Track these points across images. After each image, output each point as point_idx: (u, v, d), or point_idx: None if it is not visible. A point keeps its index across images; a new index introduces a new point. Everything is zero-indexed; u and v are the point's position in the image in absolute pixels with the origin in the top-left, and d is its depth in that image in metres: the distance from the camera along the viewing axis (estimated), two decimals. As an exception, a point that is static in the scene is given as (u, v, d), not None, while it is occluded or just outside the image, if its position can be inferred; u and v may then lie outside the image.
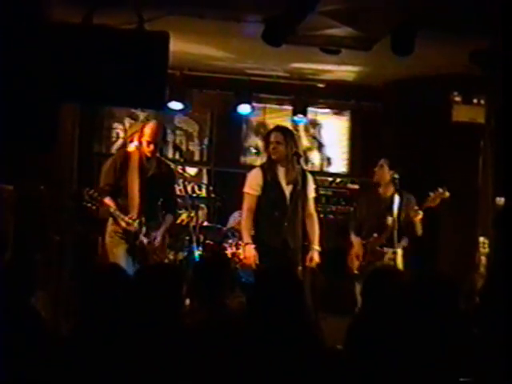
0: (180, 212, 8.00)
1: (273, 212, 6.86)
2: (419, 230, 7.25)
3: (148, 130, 6.93)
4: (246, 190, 7.00)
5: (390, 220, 7.21)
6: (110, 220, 6.86)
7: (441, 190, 7.18)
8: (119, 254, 6.75)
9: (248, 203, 6.94)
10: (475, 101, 8.68)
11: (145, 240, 6.85)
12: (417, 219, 7.18)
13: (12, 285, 3.56)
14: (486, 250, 8.02)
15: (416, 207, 7.18)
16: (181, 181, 8.89)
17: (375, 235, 7.36)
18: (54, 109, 5.44)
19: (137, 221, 6.79)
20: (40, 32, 5.21)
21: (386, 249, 7.31)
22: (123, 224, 6.75)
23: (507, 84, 3.42)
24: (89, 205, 6.65)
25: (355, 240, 7.56)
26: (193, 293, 4.69)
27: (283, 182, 6.87)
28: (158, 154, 7.05)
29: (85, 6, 6.03)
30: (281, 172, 6.88)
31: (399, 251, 7.28)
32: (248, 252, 6.82)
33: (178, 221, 8.35)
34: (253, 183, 6.96)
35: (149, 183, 6.91)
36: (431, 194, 7.17)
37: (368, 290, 4.22)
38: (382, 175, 7.44)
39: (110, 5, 6.14)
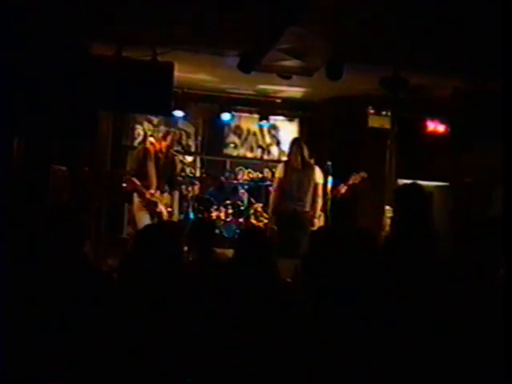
0: (181, 187, 8.07)
1: None
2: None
3: (169, 139, 7.27)
4: None
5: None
6: (135, 195, 7.05)
7: (361, 172, 7.43)
8: (143, 218, 6.95)
9: None
10: (384, 113, 8.76)
11: (162, 208, 7.06)
12: (341, 191, 7.38)
13: (68, 237, 3.54)
14: (389, 215, 8.15)
15: (342, 184, 7.34)
16: (182, 165, 8.99)
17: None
18: (96, 115, 5.47)
19: (156, 194, 7.01)
20: (87, 63, 5.24)
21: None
22: (148, 196, 6.94)
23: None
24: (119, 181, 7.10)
25: None
26: (191, 243, 4.73)
27: None
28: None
29: (115, 44, 6.03)
30: None
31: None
32: None
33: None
34: None
35: (161, 169, 7.11)
36: (354, 174, 7.37)
37: (313, 240, 4.25)
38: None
39: (132, 43, 6.11)
